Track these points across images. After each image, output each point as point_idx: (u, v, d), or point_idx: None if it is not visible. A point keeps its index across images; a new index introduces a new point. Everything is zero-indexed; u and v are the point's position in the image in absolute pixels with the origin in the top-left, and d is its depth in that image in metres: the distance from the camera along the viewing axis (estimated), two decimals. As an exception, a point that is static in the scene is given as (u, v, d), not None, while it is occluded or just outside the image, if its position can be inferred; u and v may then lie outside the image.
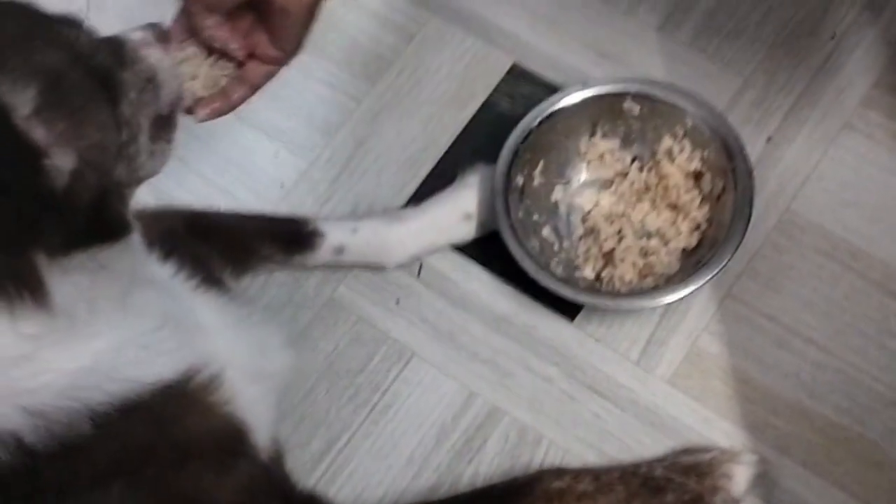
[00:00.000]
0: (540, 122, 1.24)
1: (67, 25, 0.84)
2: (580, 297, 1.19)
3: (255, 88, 1.05)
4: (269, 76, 1.05)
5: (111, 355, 0.84)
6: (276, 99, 1.37)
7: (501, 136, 1.27)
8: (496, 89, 1.36)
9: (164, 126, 0.91)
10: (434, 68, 1.38)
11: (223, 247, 1.20)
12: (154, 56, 0.90)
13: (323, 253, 1.24)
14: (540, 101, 1.28)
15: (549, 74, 1.36)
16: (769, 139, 1.29)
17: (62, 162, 0.76)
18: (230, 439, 0.94)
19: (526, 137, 1.24)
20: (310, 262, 1.25)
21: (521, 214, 1.23)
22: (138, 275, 0.89)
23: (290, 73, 1.35)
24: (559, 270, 1.22)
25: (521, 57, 1.37)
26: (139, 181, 0.89)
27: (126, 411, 0.84)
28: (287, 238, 1.24)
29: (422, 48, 1.39)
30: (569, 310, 1.23)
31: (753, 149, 1.27)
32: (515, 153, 1.23)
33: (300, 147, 1.36)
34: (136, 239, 0.90)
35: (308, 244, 1.23)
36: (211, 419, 0.93)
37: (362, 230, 1.24)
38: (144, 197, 1.29)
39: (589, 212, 1.27)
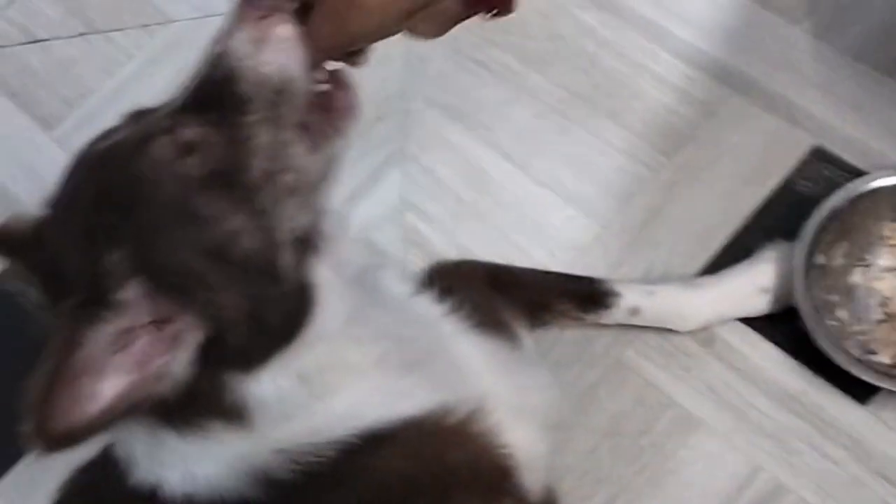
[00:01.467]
0: (846, 204, 1.25)
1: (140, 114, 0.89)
2: (883, 383, 1.17)
3: None
4: None
5: (351, 407, 0.89)
6: (575, 164, 1.43)
7: (799, 215, 1.28)
8: (796, 170, 1.37)
9: (317, 124, 0.88)
10: (733, 145, 1.40)
11: (520, 299, 1.25)
12: (268, 58, 0.85)
13: (617, 313, 1.27)
14: (841, 183, 1.28)
15: (852, 158, 1.36)
16: None
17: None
18: (494, 474, 0.96)
19: (831, 217, 1.24)
20: (603, 320, 1.28)
21: (819, 293, 1.23)
22: (371, 331, 0.92)
23: (591, 140, 1.43)
24: (855, 353, 1.21)
25: (823, 139, 1.38)
26: (312, 189, 0.88)
27: (374, 446, 0.88)
28: (583, 296, 1.28)
29: (722, 124, 1.42)
30: (860, 393, 1.22)
31: None
32: (819, 232, 1.23)
33: (595, 212, 1.40)
34: (353, 295, 0.91)
35: (603, 303, 1.27)
36: (472, 453, 0.95)
37: (659, 293, 1.27)
38: (445, 249, 1.38)
39: (889, 297, 1.25)
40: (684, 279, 1.30)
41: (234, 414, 0.85)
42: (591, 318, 1.28)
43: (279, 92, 0.85)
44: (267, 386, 0.85)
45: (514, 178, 1.43)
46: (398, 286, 1.02)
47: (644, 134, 1.44)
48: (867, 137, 1.36)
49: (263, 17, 0.85)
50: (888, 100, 1.38)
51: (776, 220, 1.33)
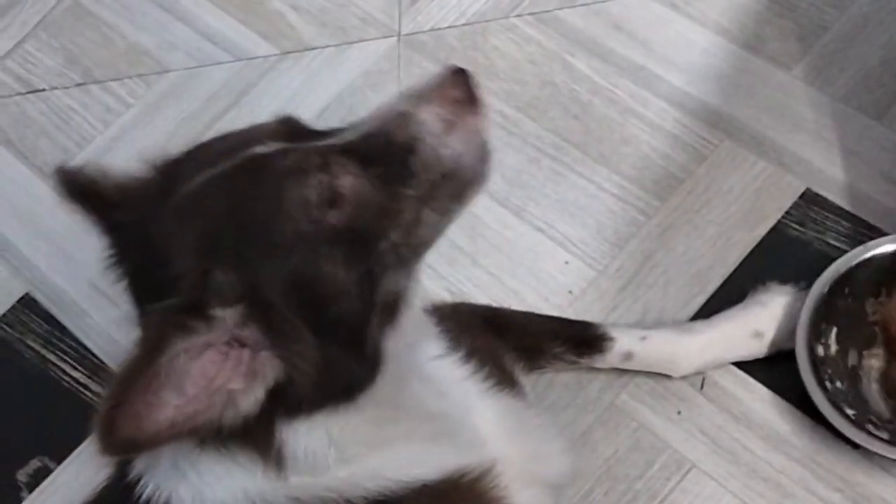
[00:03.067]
0: (829, 288, 1.24)
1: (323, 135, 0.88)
2: (875, 447, 1.17)
3: None
4: None
5: (373, 471, 0.89)
6: (569, 209, 1.44)
7: (792, 258, 1.30)
8: (787, 213, 1.38)
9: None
10: (725, 189, 1.41)
11: (517, 343, 1.26)
12: (453, 144, 0.87)
13: (611, 357, 1.28)
14: (830, 227, 1.32)
15: (841, 201, 1.37)
16: None
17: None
18: None
19: (820, 304, 1.24)
20: (597, 364, 1.29)
21: (828, 385, 1.21)
22: (410, 405, 0.93)
23: (584, 185, 1.44)
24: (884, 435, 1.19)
25: (813, 182, 1.39)
26: (420, 258, 0.89)
27: None
28: (577, 340, 1.28)
29: (713, 169, 1.43)
30: (854, 436, 1.22)
31: None
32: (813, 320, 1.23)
33: (589, 256, 1.41)
34: (396, 367, 0.90)
35: (597, 347, 1.27)
36: None
37: (652, 338, 1.27)
38: (440, 292, 1.39)
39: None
40: (678, 324, 1.31)
41: (266, 452, 0.85)
42: (585, 362, 1.29)
43: (446, 176, 0.86)
44: (302, 437, 0.85)
45: (508, 222, 1.45)
46: (434, 351, 1.02)
47: (636, 179, 1.45)
48: (856, 181, 1.38)
49: (460, 102, 0.87)
50: (876, 143, 1.39)
51: (768, 264, 1.34)
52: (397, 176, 0.85)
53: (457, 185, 0.87)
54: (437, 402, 0.96)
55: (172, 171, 0.88)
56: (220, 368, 0.78)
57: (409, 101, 0.87)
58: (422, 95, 0.87)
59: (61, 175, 0.92)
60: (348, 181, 0.83)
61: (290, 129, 0.89)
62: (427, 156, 0.86)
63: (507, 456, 0.99)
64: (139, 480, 0.89)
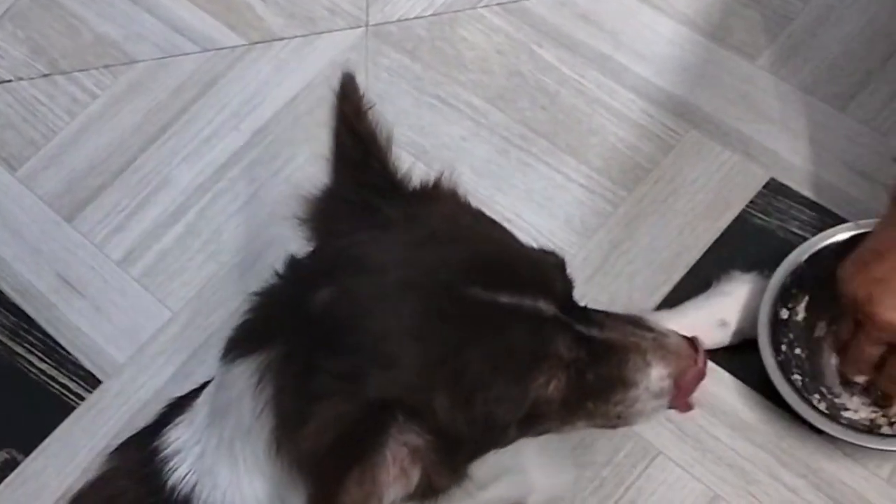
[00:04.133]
0: (805, 259, 1.25)
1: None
2: (847, 436, 1.18)
3: None
4: None
5: None
6: (537, 200, 1.45)
7: (756, 247, 1.31)
8: (752, 202, 1.39)
9: None
10: (691, 179, 1.43)
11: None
12: (655, 404, 0.91)
13: (578, 347, 1.28)
14: (795, 215, 1.33)
15: (805, 190, 1.38)
16: None
17: None
18: None
19: (793, 272, 1.25)
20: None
21: (783, 348, 1.23)
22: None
23: (552, 175, 1.45)
24: (822, 406, 1.21)
25: (778, 172, 1.40)
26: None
27: None
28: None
29: (679, 159, 1.44)
30: (818, 422, 1.24)
31: None
32: (783, 286, 1.24)
33: (557, 247, 1.40)
34: None
35: (564, 337, 1.28)
36: None
37: (617, 329, 1.28)
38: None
39: None
40: (644, 313, 1.31)
41: None
42: (552, 351, 1.29)
43: (617, 417, 0.91)
44: None
45: (477, 213, 1.45)
46: None
47: (604, 169, 1.46)
48: (820, 170, 1.39)
49: (683, 386, 0.91)
50: (839, 133, 1.41)
51: (733, 252, 1.35)
52: (594, 391, 0.88)
53: (605, 421, 0.91)
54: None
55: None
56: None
57: (653, 341, 0.90)
58: (665, 345, 0.90)
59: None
60: (580, 356, 0.86)
61: (564, 292, 0.90)
62: (625, 397, 0.89)
63: (543, 479, 1.03)
64: (175, 454, 0.89)
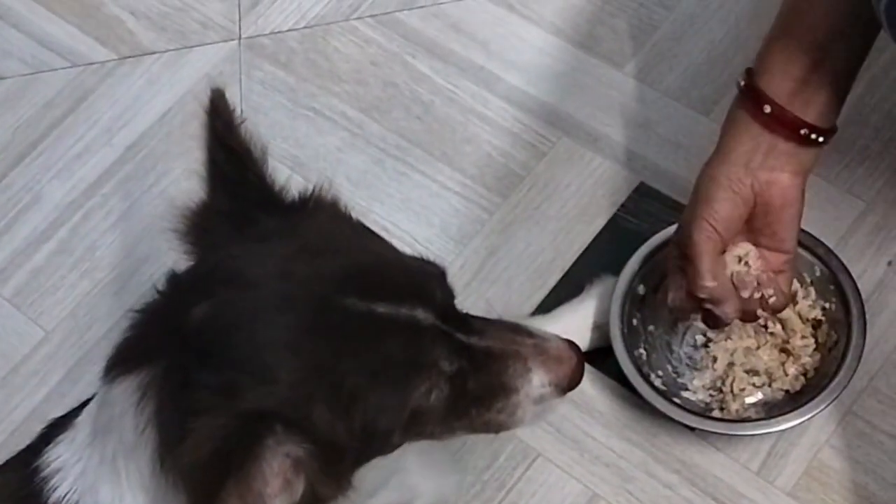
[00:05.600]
0: (664, 244, 1.29)
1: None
2: (691, 421, 1.22)
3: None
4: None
5: None
6: (413, 208, 1.46)
7: (627, 250, 1.34)
8: (622, 206, 1.42)
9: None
10: (564, 185, 1.45)
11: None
12: (524, 415, 0.92)
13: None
14: (664, 218, 1.35)
15: (674, 193, 1.42)
16: (890, 263, 1.33)
17: None
18: None
19: (652, 256, 1.29)
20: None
21: (635, 323, 1.27)
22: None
23: (428, 184, 1.46)
24: (658, 383, 1.25)
25: (646, 176, 1.44)
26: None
27: None
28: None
29: (552, 165, 1.47)
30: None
31: (874, 272, 1.32)
32: (640, 267, 1.28)
33: (434, 255, 1.41)
34: None
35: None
36: None
37: (494, 335, 1.30)
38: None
39: (707, 337, 1.29)
40: (520, 318, 1.33)
41: None
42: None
43: (493, 424, 0.92)
44: None
45: (354, 223, 1.46)
46: None
47: (478, 177, 1.48)
48: (687, 173, 1.42)
49: (559, 383, 0.92)
50: (704, 137, 1.44)
51: (604, 256, 1.38)
52: (476, 399, 0.89)
53: (488, 427, 0.93)
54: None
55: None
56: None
57: (533, 347, 0.91)
58: (545, 350, 0.92)
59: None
60: (450, 389, 0.86)
61: (444, 302, 0.89)
62: (506, 404, 0.91)
63: (428, 484, 1.05)
64: (56, 473, 0.87)
